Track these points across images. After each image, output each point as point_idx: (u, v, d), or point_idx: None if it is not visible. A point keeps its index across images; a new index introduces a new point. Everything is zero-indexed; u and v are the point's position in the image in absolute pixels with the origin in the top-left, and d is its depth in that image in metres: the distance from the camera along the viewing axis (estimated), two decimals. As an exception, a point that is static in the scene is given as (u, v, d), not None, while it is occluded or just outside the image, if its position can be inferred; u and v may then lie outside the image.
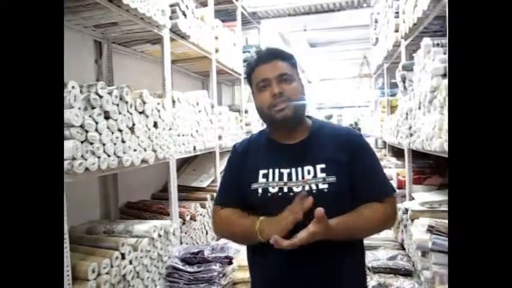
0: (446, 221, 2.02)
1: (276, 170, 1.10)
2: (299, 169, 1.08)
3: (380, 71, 5.34)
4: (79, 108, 1.67)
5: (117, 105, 1.94)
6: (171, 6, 2.66)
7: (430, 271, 2.14)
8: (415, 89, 2.61)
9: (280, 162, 1.11)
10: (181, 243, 2.76)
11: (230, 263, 2.23)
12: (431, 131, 2.04)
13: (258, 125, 4.78)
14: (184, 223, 2.91)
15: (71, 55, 2.45)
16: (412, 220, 2.49)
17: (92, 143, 1.73)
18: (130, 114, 2.06)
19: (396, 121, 3.53)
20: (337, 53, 9.72)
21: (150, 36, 2.72)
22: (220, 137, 3.73)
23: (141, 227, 2.32)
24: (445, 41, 2.17)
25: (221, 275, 2.12)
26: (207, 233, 3.29)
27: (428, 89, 2.10)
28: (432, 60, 2.11)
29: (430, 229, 2.12)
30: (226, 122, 3.96)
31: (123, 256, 2.03)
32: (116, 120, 1.91)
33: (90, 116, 1.74)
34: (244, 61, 4.70)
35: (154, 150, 2.32)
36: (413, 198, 2.81)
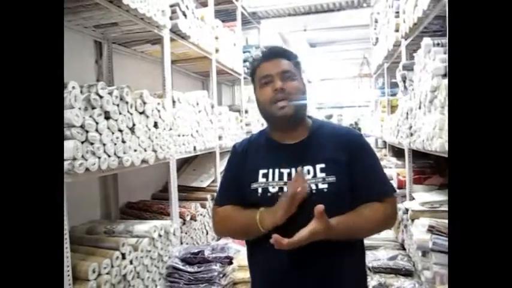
0: (447, 221, 2.02)
1: (276, 170, 1.10)
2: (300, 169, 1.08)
3: (380, 70, 5.34)
4: (79, 109, 1.67)
5: (118, 105, 1.95)
6: (171, 6, 2.66)
7: (430, 271, 2.14)
8: (416, 88, 2.60)
9: (280, 162, 1.11)
10: (181, 243, 2.76)
11: (230, 263, 2.23)
12: (432, 131, 2.04)
13: (258, 125, 4.79)
14: (184, 223, 2.91)
15: (71, 55, 2.45)
16: (413, 220, 2.49)
17: (92, 143, 1.73)
18: (131, 114, 2.06)
19: (396, 121, 3.52)
20: (337, 52, 9.73)
21: (150, 36, 2.72)
22: (220, 137, 3.73)
23: (142, 227, 2.32)
24: (445, 40, 2.17)
25: (221, 275, 2.12)
26: (207, 233, 3.29)
27: (428, 88, 2.10)
28: (433, 60, 2.10)
29: (431, 229, 2.12)
30: (227, 122, 3.96)
31: (123, 256, 2.03)
32: (116, 120, 1.91)
33: (90, 116, 1.74)
34: (245, 61, 4.71)
35: (154, 151, 2.32)
36: (413, 198, 2.81)
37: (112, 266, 1.92)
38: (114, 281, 1.92)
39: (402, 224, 2.87)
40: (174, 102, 2.76)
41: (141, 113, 2.18)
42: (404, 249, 2.84)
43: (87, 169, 1.69)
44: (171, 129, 2.57)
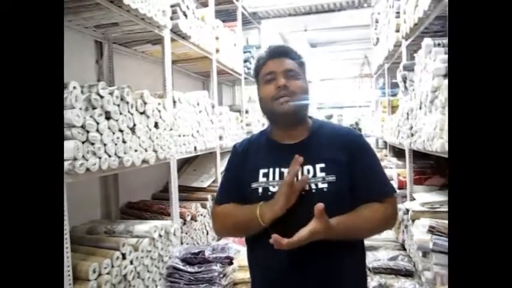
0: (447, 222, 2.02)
1: (277, 170, 1.10)
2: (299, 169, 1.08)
3: (381, 71, 5.34)
4: (80, 109, 1.67)
5: (118, 105, 1.95)
6: (171, 6, 2.67)
7: (431, 272, 2.14)
8: (416, 89, 2.60)
9: (281, 162, 1.11)
10: (181, 243, 2.76)
11: (231, 263, 2.23)
12: (433, 131, 2.04)
13: (258, 126, 4.79)
14: (185, 223, 2.92)
15: (72, 55, 2.45)
16: (413, 220, 2.49)
17: (93, 144, 1.73)
18: (131, 114, 2.06)
19: (397, 121, 3.52)
20: (337, 53, 9.73)
21: (151, 36, 2.73)
22: (220, 137, 3.73)
23: (142, 227, 2.32)
24: (446, 41, 2.17)
25: (222, 276, 2.12)
26: (207, 233, 3.29)
27: (429, 89, 2.10)
28: (433, 61, 2.10)
29: (431, 230, 2.12)
30: (227, 122, 3.96)
31: (123, 256, 2.03)
32: (116, 120, 1.92)
33: (91, 117, 1.74)
34: (245, 61, 4.71)
35: (155, 151, 2.32)
36: (414, 199, 2.81)
37: (112, 266, 1.92)
38: (115, 281, 1.92)
39: (403, 224, 2.87)
40: (174, 102, 2.76)
41: (141, 113, 2.19)
42: (404, 249, 2.83)
43: (87, 169, 1.69)
44: (171, 129, 2.57)
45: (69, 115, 1.60)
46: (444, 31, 2.67)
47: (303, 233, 0.95)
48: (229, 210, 1.15)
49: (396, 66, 3.48)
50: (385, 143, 5.34)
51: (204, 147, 3.27)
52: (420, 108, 2.42)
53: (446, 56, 2.03)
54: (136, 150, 2.09)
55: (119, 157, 1.93)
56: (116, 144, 1.90)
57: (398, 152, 4.52)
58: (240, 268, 2.19)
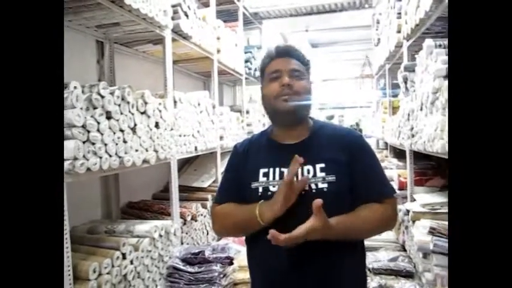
0: (448, 223, 2.01)
1: (277, 169, 1.11)
2: (299, 168, 1.08)
3: (382, 71, 5.34)
4: (81, 109, 1.67)
5: (119, 105, 1.95)
6: (173, 6, 2.67)
7: (431, 273, 2.13)
8: (417, 90, 2.60)
9: (281, 162, 1.11)
10: (182, 243, 2.76)
11: (231, 263, 2.23)
12: (433, 132, 2.04)
13: (259, 126, 4.79)
14: (185, 223, 2.92)
15: (73, 55, 2.45)
16: (414, 221, 2.48)
17: (93, 143, 1.73)
18: (132, 114, 2.07)
19: (398, 122, 3.52)
20: (338, 53, 9.72)
21: (152, 36, 2.73)
22: (221, 138, 3.73)
23: (142, 227, 2.33)
24: (447, 42, 2.17)
25: (222, 276, 2.12)
26: (207, 234, 3.30)
27: (430, 90, 2.10)
28: (434, 62, 2.10)
29: (432, 231, 2.11)
30: (228, 123, 3.96)
31: (124, 256, 2.03)
32: (117, 120, 1.92)
33: (92, 116, 1.74)
34: (246, 61, 4.71)
35: (155, 151, 2.33)
36: (414, 200, 2.81)
37: (113, 266, 1.93)
38: (115, 280, 1.92)
39: (403, 225, 2.87)
40: (175, 102, 2.77)
41: (142, 113, 2.19)
42: (405, 250, 2.83)
43: (88, 169, 1.69)
44: (172, 129, 2.58)
45: (70, 115, 1.61)
46: (445, 32, 2.67)
47: (301, 229, 0.94)
48: (228, 210, 1.15)
49: (397, 67, 3.48)
50: (386, 143, 5.33)
51: (205, 147, 3.27)
52: (421, 109, 2.42)
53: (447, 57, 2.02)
54: (137, 150, 2.10)
55: (120, 157, 1.93)
56: (116, 144, 1.90)
57: (399, 153, 4.51)
58: (240, 268, 2.19)
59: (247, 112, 4.74)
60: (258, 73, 4.94)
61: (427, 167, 3.31)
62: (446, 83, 1.92)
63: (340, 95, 12.04)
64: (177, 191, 2.76)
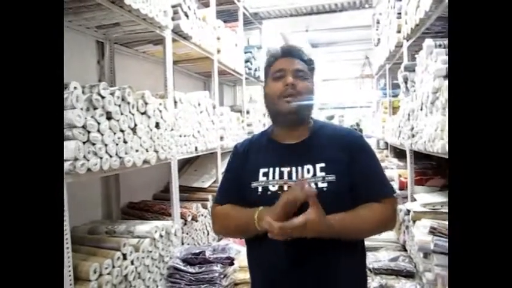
0: (448, 223, 2.01)
1: (277, 169, 1.11)
2: (299, 168, 1.09)
3: (382, 71, 5.34)
4: (81, 109, 1.67)
5: (119, 105, 1.95)
6: (173, 7, 2.67)
7: (432, 273, 2.13)
8: (417, 90, 2.60)
9: (281, 162, 1.11)
10: (182, 243, 2.76)
11: (231, 263, 2.23)
12: (434, 132, 2.04)
13: (259, 126, 4.79)
14: (185, 224, 2.92)
15: (73, 56, 2.46)
16: (414, 221, 2.48)
17: (94, 144, 1.73)
18: (132, 114, 2.07)
19: (398, 122, 3.52)
20: (338, 53, 9.72)
21: (152, 36, 2.73)
22: (221, 138, 3.73)
23: (143, 227, 2.33)
24: (447, 42, 2.17)
25: (222, 276, 2.13)
26: (208, 234, 3.30)
27: (430, 90, 2.10)
28: (434, 61, 2.10)
29: (432, 231, 2.11)
30: (228, 123, 3.96)
31: (124, 256, 2.03)
32: (118, 120, 1.92)
33: (92, 117, 1.74)
34: (247, 61, 4.70)
35: (156, 151, 2.33)
36: (415, 200, 2.81)
37: (113, 267, 1.93)
38: (115, 281, 1.93)
39: (404, 225, 2.87)
40: (175, 102, 2.77)
41: (142, 114, 2.19)
42: (405, 250, 2.83)
43: (88, 169, 1.69)
44: (172, 129, 2.58)
45: (70, 115, 1.61)
46: (445, 32, 2.67)
47: (298, 220, 0.93)
48: (228, 211, 1.15)
49: (397, 67, 3.48)
50: (386, 143, 5.33)
51: (205, 147, 3.27)
52: (421, 109, 2.42)
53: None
54: (137, 151, 2.10)
55: (120, 157, 1.93)
56: (117, 144, 1.90)
57: (399, 153, 4.52)
58: (241, 269, 2.20)
59: (248, 112, 4.74)
60: (258, 73, 4.96)
61: (427, 167, 3.31)
62: (446, 82, 1.92)
63: (340, 95, 12.04)
64: (177, 192, 2.76)
